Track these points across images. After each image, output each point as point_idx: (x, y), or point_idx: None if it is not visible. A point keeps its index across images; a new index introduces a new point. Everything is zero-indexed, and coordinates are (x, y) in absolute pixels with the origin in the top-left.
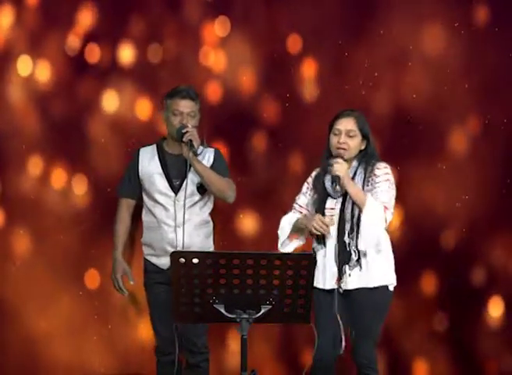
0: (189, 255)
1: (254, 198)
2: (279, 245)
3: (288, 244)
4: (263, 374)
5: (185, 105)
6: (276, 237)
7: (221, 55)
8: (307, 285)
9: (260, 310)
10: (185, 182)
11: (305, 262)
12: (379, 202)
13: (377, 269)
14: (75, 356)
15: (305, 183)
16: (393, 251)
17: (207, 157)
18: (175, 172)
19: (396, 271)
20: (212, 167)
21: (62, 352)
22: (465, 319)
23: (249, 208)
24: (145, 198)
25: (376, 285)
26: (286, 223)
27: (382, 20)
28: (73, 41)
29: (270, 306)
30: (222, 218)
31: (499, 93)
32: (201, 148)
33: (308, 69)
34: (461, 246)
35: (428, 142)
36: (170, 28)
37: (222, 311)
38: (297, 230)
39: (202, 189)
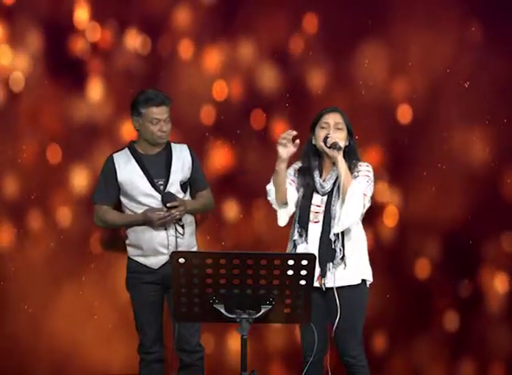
0: (189, 255)
1: (254, 198)
2: (272, 202)
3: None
4: (263, 374)
5: (161, 112)
6: (276, 238)
7: (220, 53)
8: (307, 285)
9: (260, 310)
10: (169, 181)
11: (305, 262)
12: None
13: (357, 266)
14: (75, 356)
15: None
16: (392, 252)
17: (183, 155)
18: (154, 172)
19: (396, 270)
20: (193, 170)
21: (62, 352)
22: (469, 317)
23: (249, 207)
24: (126, 201)
25: (358, 282)
26: (270, 185)
27: (382, 21)
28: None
29: (270, 306)
30: (221, 218)
31: (500, 93)
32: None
33: (308, 70)
34: (461, 246)
35: (428, 142)
36: (169, 26)
37: (222, 311)
38: (277, 178)
39: (185, 186)
